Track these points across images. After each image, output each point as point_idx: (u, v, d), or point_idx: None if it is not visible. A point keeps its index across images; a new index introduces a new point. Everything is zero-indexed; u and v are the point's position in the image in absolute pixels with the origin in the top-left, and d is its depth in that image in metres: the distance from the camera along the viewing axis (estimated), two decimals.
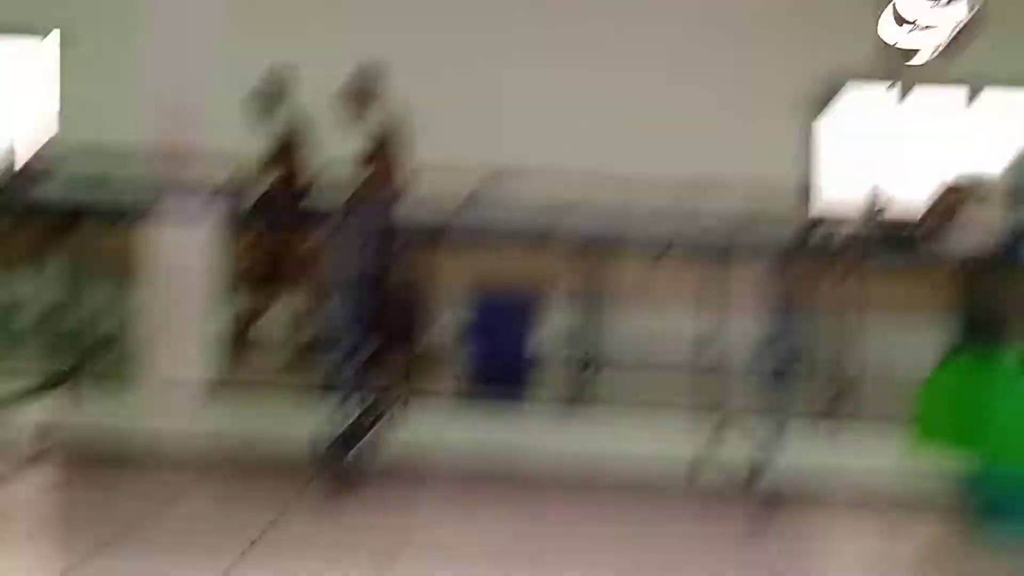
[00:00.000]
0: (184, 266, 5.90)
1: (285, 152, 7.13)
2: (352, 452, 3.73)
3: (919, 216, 5.38)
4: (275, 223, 6.60)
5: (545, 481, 4.26)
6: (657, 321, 6.70)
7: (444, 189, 4.57)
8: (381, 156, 6.72)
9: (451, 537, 3.43)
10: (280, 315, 7.67)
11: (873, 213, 4.46)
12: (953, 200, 7.44)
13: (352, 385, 3.72)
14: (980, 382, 3.98)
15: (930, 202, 7.59)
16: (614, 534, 3.58)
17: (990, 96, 9.36)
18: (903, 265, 5.12)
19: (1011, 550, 3.66)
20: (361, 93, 7.07)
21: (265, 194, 6.98)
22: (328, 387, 3.78)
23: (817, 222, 5.33)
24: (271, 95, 7.27)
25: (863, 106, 9.48)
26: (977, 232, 4.68)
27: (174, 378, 5.65)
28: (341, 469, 3.69)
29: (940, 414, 4.03)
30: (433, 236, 5.58)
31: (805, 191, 8.77)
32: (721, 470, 4.48)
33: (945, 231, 5.06)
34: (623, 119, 9.19)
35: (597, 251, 7.98)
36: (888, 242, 5.05)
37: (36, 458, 4.08)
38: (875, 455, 5.04)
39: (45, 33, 9.60)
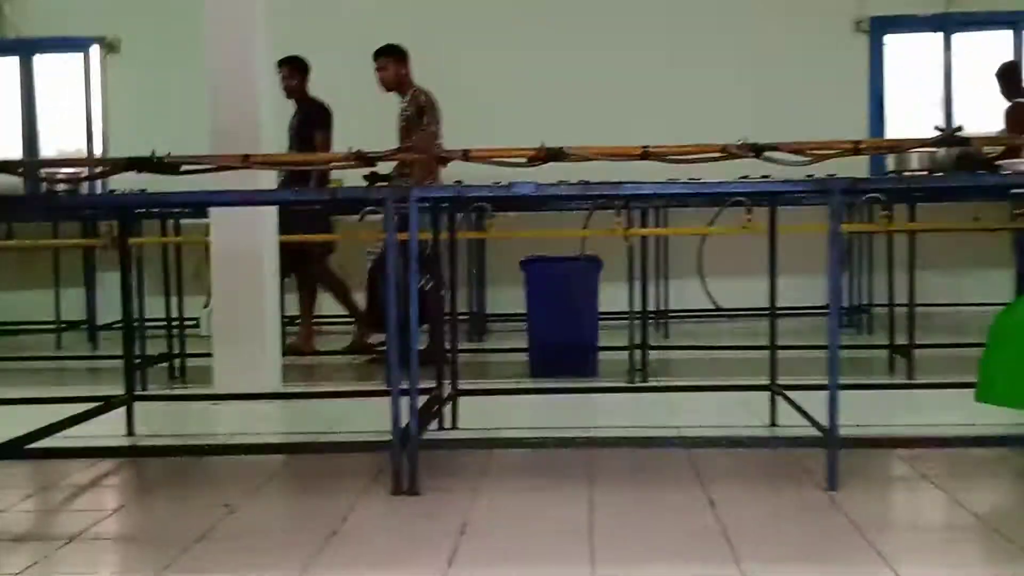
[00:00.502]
0: (247, 272, 5.84)
1: (309, 133, 7.04)
2: (415, 443, 3.65)
3: (996, 136, 5.15)
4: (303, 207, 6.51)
5: (612, 457, 4.15)
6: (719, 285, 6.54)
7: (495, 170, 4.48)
8: (416, 135, 6.64)
9: (518, 519, 3.36)
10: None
11: (948, 135, 4.25)
12: None
13: (411, 375, 3.64)
14: None
15: (1005, 119, 7.37)
16: (687, 502, 3.47)
17: None
18: (983, 188, 4.90)
19: None
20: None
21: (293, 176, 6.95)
22: (388, 380, 3.70)
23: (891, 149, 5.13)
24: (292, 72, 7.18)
25: (912, 48, 9.31)
26: None
27: (238, 385, 5.63)
28: (406, 461, 3.62)
29: (1008, 365, 3.80)
30: (485, 210, 5.51)
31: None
32: (788, 433, 4.37)
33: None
34: (672, 88, 9.09)
35: (654, 214, 7.95)
36: (966, 163, 4.80)
37: (101, 477, 4.05)
38: (943, 410, 4.88)
39: (87, 47, 9.63)
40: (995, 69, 8.09)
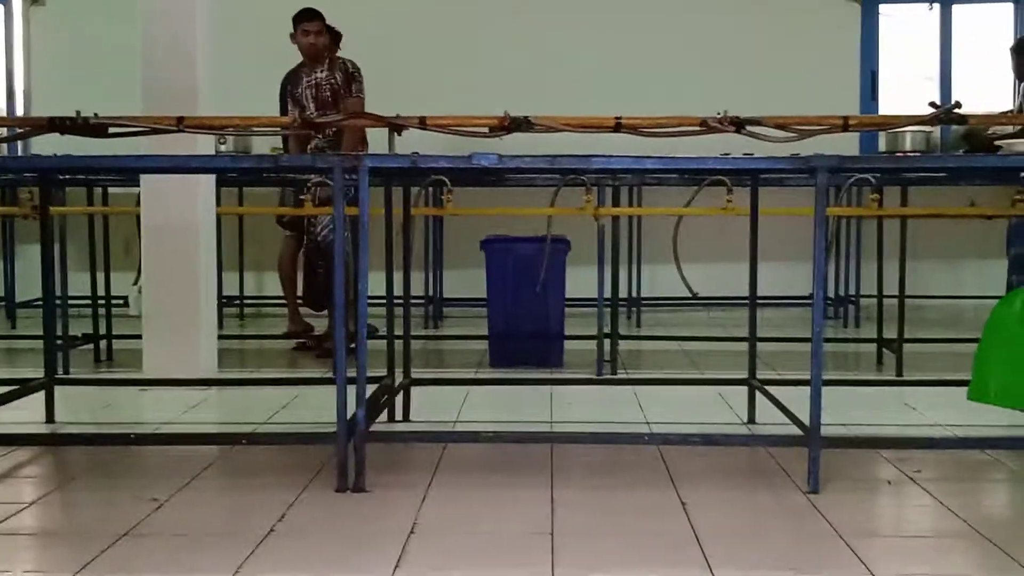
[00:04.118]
0: (181, 246, 5.79)
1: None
2: (362, 435, 3.64)
3: (996, 115, 5.14)
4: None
5: (577, 453, 4.16)
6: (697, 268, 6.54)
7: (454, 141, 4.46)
8: (348, 102, 6.60)
9: (472, 519, 3.36)
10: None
11: (945, 112, 4.26)
12: None
13: (359, 362, 3.63)
14: None
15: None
16: (657, 504, 3.48)
17: None
18: (981, 170, 4.90)
19: None
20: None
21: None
22: (335, 366, 3.69)
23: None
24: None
25: (908, 20, 9.35)
26: None
27: (170, 369, 5.58)
28: (352, 455, 3.61)
29: (1003, 362, 3.83)
30: (443, 184, 5.49)
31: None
32: (767, 431, 4.42)
33: None
34: (654, 57, 9.09)
35: (626, 192, 7.95)
36: (970, 141, 4.82)
37: (17, 467, 4.02)
38: (933, 409, 4.92)
39: None
40: (1011, 44, 7.99)
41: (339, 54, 6.87)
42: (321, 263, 6.72)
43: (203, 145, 5.61)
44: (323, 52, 6.75)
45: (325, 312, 7.04)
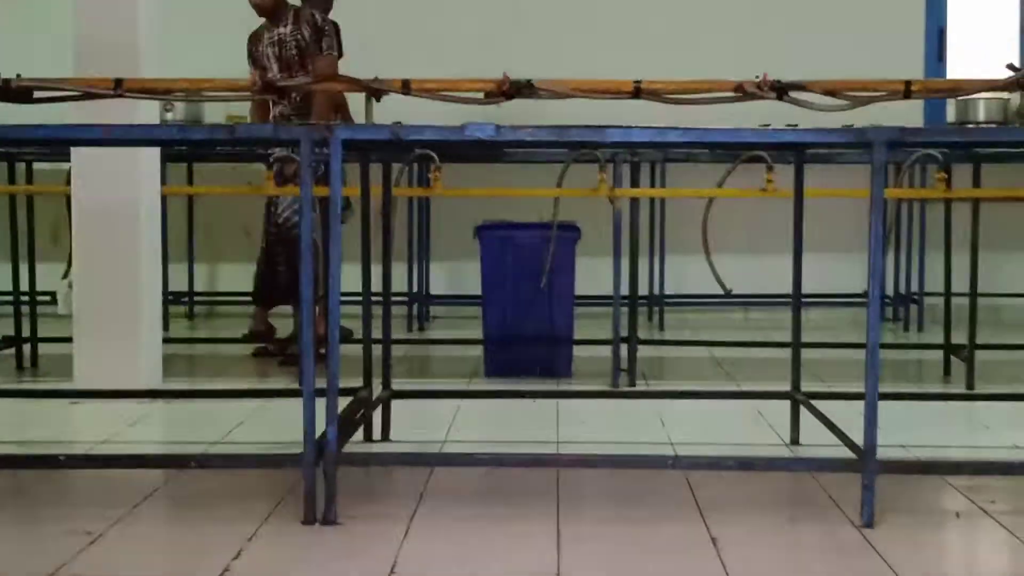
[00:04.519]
0: (120, 233, 5.79)
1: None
2: (333, 458, 3.64)
3: None
4: None
5: (588, 480, 4.17)
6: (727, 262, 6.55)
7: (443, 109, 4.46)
8: (317, 61, 6.56)
9: (463, 558, 3.36)
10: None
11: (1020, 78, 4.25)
12: None
13: (330, 371, 3.63)
14: None
15: None
16: (683, 540, 3.48)
17: None
18: None
19: None
20: None
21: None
22: (301, 375, 3.69)
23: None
24: None
25: None
26: None
27: (106, 379, 5.58)
28: (322, 480, 3.61)
29: None
30: (430, 159, 5.49)
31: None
32: (813, 453, 4.41)
33: None
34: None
35: (647, 170, 7.95)
36: None
37: None
38: (1009, 427, 4.93)
39: None
40: None
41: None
42: (281, 252, 6.63)
43: (146, 113, 5.61)
44: (273, 8, 6.69)
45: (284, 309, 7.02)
